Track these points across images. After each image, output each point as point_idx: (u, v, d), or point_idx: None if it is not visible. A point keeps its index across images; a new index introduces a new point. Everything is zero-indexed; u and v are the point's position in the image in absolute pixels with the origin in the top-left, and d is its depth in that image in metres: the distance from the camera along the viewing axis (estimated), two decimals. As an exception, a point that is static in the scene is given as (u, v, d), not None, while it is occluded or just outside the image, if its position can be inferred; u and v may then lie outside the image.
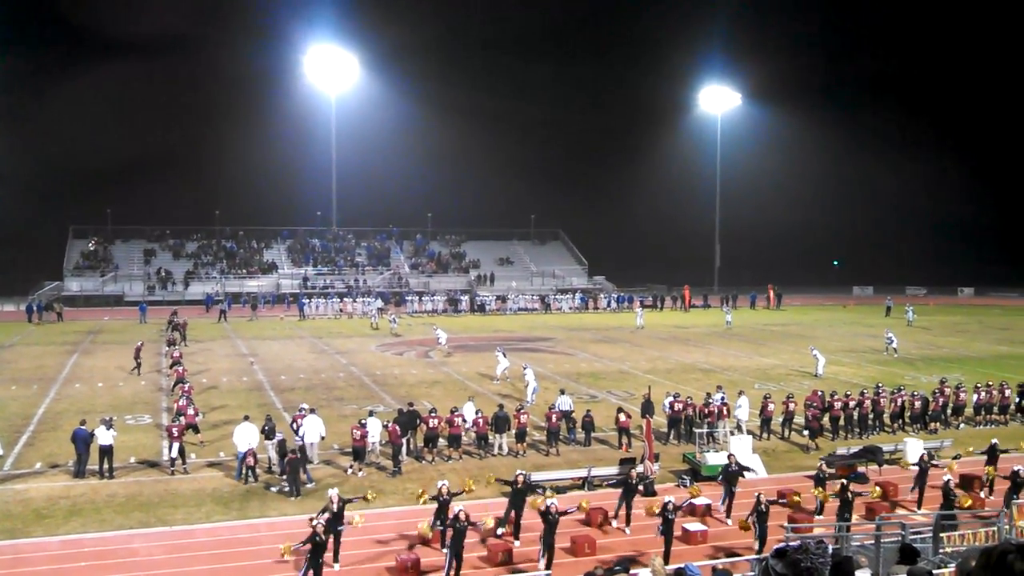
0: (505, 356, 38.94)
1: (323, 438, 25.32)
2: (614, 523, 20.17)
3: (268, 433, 24.70)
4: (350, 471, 24.01)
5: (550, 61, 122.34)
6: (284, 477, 22.80)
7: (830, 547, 2.74)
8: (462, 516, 17.22)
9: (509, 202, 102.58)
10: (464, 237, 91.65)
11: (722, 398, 28.75)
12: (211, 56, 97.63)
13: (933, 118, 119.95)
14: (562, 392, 29.88)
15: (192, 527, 19.99)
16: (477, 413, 26.62)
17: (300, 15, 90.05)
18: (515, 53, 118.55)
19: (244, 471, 23.25)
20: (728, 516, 20.79)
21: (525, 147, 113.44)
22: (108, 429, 23.47)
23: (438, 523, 18.65)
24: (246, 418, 24.68)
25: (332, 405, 31.93)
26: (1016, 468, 20.74)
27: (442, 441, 25.94)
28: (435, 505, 18.89)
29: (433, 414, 25.92)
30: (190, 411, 26.84)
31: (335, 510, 17.97)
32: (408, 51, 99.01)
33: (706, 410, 27.72)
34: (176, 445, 23.80)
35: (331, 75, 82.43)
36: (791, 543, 2.84)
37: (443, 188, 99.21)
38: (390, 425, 24.72)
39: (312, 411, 25.95)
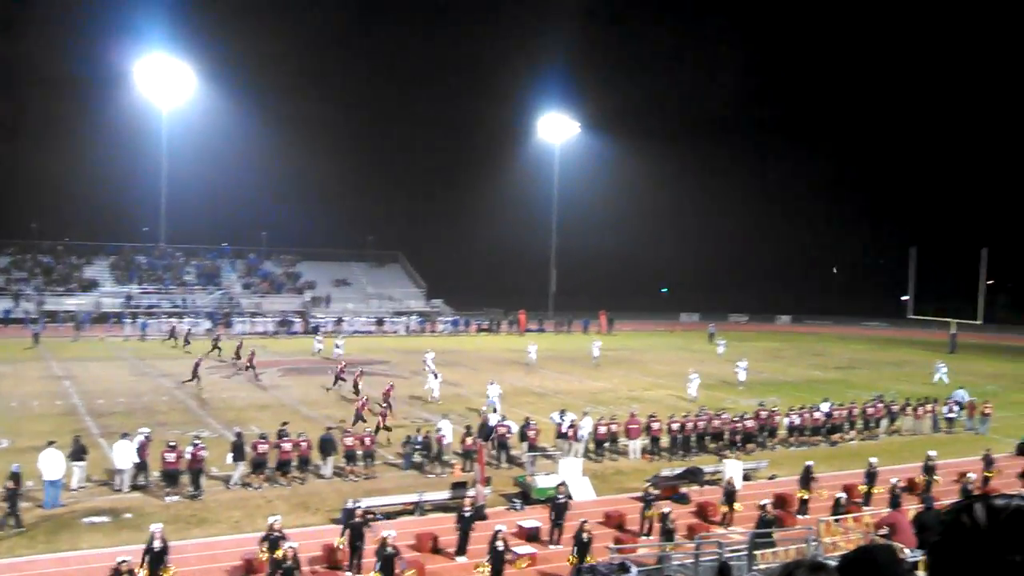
0: (436, 377, 39.96)
1: (135, 464, 24.25)
2: (459, 559, 19.75)
3: (75, 455, 23.56)
4: (168, 499, 23.06)
5: (392, 82, 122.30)
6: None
7: (634, 569, 2.76)
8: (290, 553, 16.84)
9: (347, 223, 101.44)
10: (300, 257, 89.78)
11: (571, 420, 29.30)
12: (30, 57, 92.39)
13: (756, 156, 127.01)
14: (444, 416, 30.14)
15: (-8, 562, 18.61)
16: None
17: (131, 21, 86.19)
18: (356, 72, 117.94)
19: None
20: (558, 542, 20.75)
21: (365, 168, 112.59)
22: None
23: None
24: (51, 444, 23.27)
25: (154, 431, 30.42)
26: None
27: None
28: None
29: (262, 439, 25.24)
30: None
31: (156, 548, 16.95)
32: (247, 64, 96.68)
33: (529, 432, 28.12)
34: None
35: (163, 85, 79.19)
36: (598, 563, 2.85)
37: (279, 207, 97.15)
38: (193, 449, 23.90)
39: (124, 436, 24.85)
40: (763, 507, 20.78)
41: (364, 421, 31.26)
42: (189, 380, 40.92)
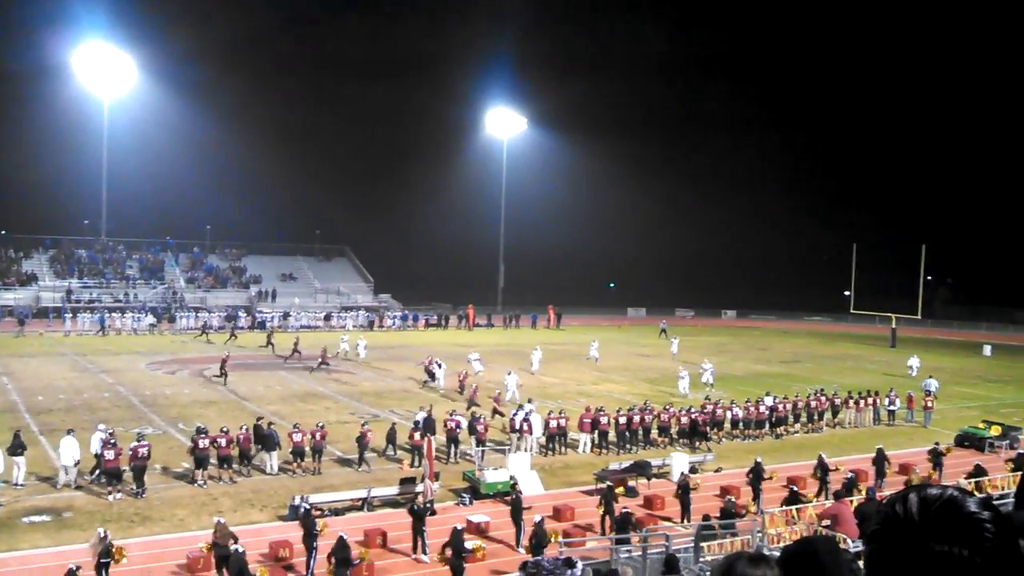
0: (441, 367, 41.74)
1: (78, 462, 23.83)
2: (424, 558, 19.60)
3: (12, 450, 23.23)
4: (111, 497, 22.70)
5: (339, 75, 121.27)
6: None
7: (580, 564, 2.78)
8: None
9: (294, 217, 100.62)
10: (245, 251, 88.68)
11: (526, 414, 29.43)
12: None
13: (702, 153, 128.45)
14: (421, 408, 30.51)
15: (-74, 564, 18.15)
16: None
17: (70, 10, 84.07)
18: (302, 64, 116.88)
19: None
20: (520, 546, 20.48)
21: (312, 161, 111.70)
22: None
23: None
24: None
25: (95, 427, 29.94)
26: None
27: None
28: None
29: (203, 435, 24.88)
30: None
31: (101, 552, 16.71)
32: (190, 56, 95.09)
33: (477, 426, 28.18)
34: None
35: (104, 75, 77.61)
36: (543, 559, 2.87)
37: (224, 200, 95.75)
38: (135, 446, 23.60)
39: (70, 432, 24.43)
40: (729, 500, 21.22)
41: (478, 405, 34.05)
42: (218, 376, 41.02)
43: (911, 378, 47.26)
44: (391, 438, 28.07)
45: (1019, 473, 23.89)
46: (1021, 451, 29.37)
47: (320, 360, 46.51)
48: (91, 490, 23.46)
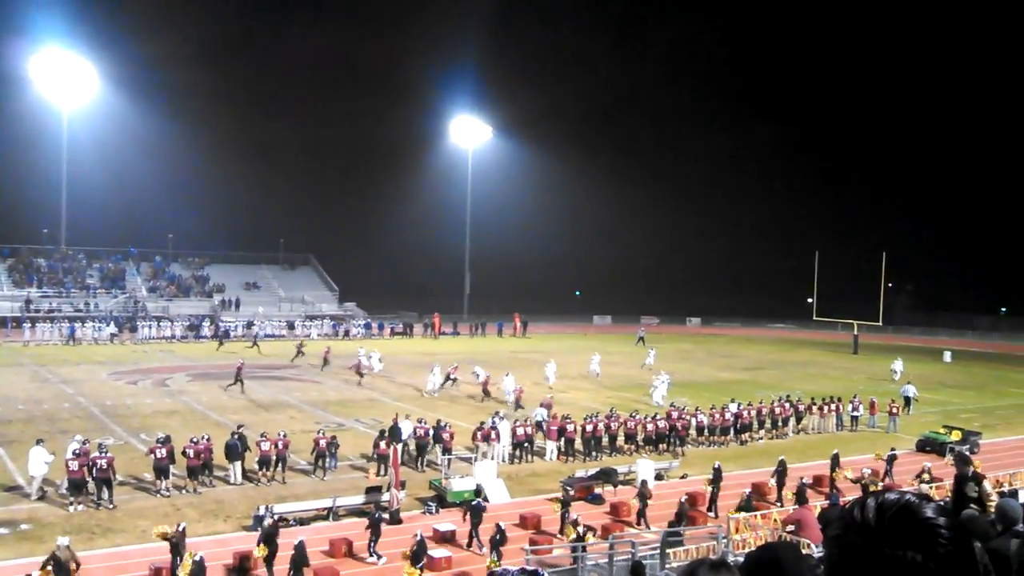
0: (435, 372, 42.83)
1: (47, 463, 23.48)
2: (379, 563, 19.68)
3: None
4: (72, 508, 22.38)
5: (303, 83, 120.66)
6: None
7: (545, 574, 2.80)
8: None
9: (258, 225, 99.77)
10: (208, 260, 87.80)
11: (493, 422, 29.44)
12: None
13: (664, 161, 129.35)
14: (407, 417, 30.14)
15: None
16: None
17: (25, 13, 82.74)
18: (265, 72, 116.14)
19: None
20: (481, 547, 20.58)
21: (275, 169, 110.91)
22: None
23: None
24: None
25: (56, 438, 29.40)
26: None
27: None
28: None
29: (160, 444, 24.56)
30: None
31: (63, 559, 16.49)
32: (151, 63, 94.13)
33: (443, 434, 28.17)
34: None
35: (64, 82, 76.61)
36: (508, 570, 2.87)
37: (187, 208, 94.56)
38: (97, 456, 23.34)
39: (39, 442, 24.08)
40: (682, 503, 21.31)
41: (523, 407, 36.22)
42: (232, 384, 41.15)
43: (894, 382, 48.04)
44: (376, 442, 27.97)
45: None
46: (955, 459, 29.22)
47: (356, 372, 46.20)
48: (52, 501, 23.13)
